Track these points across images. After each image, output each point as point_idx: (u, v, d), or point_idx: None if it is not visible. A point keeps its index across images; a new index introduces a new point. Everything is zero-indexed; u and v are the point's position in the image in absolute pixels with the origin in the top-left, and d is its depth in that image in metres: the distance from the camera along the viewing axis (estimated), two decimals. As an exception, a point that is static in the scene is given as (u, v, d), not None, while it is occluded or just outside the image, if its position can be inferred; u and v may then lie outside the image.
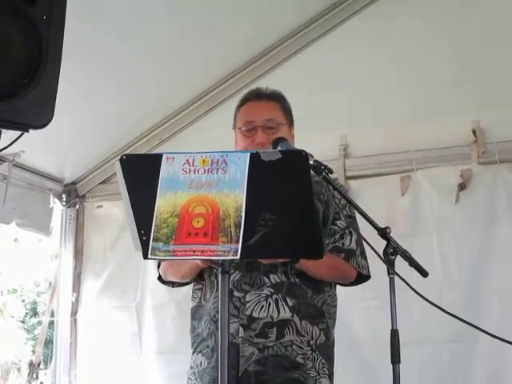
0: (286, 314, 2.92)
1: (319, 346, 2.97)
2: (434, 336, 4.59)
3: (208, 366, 2.96)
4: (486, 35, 4.78)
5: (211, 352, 2.96)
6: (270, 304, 2.92)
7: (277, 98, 3.26)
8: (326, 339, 3.02)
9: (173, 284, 3.30)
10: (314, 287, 3.01)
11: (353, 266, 3.06)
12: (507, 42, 4.73)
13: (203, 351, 3.01)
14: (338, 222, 3.08)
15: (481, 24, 4.80)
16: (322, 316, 3.02)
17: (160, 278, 3.29)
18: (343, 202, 3.10)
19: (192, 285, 3.21)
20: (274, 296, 2.94)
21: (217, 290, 2.98)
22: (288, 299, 2.94)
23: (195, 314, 3.13)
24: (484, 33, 4.79)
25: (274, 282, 2.95)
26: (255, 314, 2.91)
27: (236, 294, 2.91)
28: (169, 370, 5.24)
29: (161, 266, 3.22)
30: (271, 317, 2.91)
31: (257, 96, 3.27)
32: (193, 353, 3.10)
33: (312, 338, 2.95)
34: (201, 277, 3.11)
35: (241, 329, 2.89)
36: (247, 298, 2.93)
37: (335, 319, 3.14)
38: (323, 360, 2.97)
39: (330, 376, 3.01)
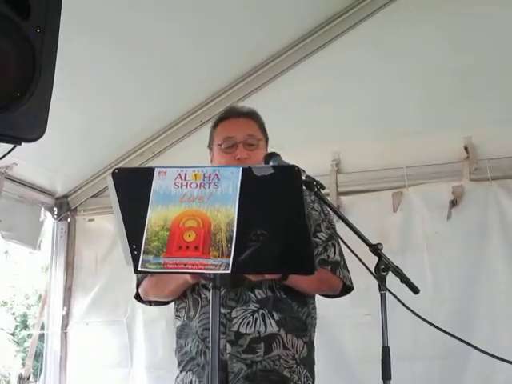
0: (273, 328, 2.93)
1: (303, 360, 2.98)
2: (425, 352, 4.59)
3: (199, 383, 2.94)
4: (484, 52, 4.80)
5: (202, 370, 2.95)
6: (256, 319, 2.92)
7: (253, 116, 3.29)
8: (308, 352, 3.03)
9: (150, 303, 3.27)
10: (299, 300, 3.03)
11: (339, 277, 3.08)
12: (505, 60, 4.75)
13: (193, 369, 3.00)
14: (320, 235, 3.10)
15: (480, 40, 4.82)
16: (306, 329, 3.04)
17: (138, 297, 3.26)
18: (323, 214, 3.11)
19: (174, 303, 3.18)
20: (261, 311, 2.94)
21: (202, 307, 3.00)
22: (274, 313, 2.94)
23: (181, 332, 3.11)
24: (482, 49, 4.81)
25: (259, 297, 2.95)
26: (242, 330, 2.91)
27: (222, 310, 2.88)
28: (159, 384, 5.23)
29: (141, 286, 3.19)
30: (258, 332, 2.91)
31: (234, 114, 3.31)
32: (180, 371, 3.08)
33: (297, 352, 2.97)
34: (184, 294, 3.10)
35: (228, 345, 2.89)
36: (233, 314, 2.93)
37: (315, 331, 3.16)
38: (307, 373, 2.99)
39: None
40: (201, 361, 2.97)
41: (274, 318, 2.94)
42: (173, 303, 3.20)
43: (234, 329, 2.91)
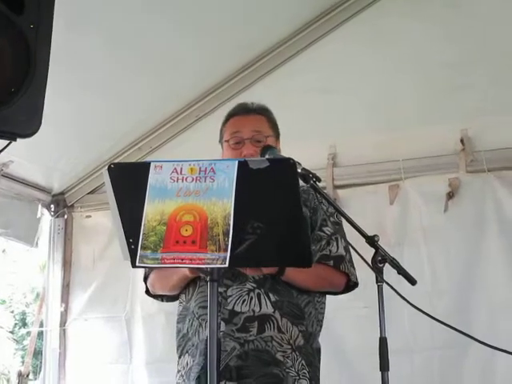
0: (267, 309, 2.91)
1: (298, 348, 2.95)
2: (423, 344, 4.60)
3: (193, 363, 2.94)
4: (479, 43, 4.80)
5: (196, 349, 2.95)
6: (252, 298, 2.91)
7: (263, 112, 3.29)
8: (305, 343, 2.98)
9: (162, 298, 3.29)
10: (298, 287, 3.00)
11: (344, 272, 3.05)
12: (500, 51, 4.75)
13: (189, 350, 3.00)
14: (325, 229, 3.08)
15: (474, 31, 4.81)
16: (302, 317, 3.00)
17: (148, 292, 3.29)
18: (331, 209, 3.10)
19: None
20: (257, 290, 2.93)
21: (199, 286, 3.00)
22: (271, 295, 2.93)
23: (180, 316, 3.13)
24: (477, 40, 4.80)
25: (256, 277, 2.93)
26: (237, 309, 2.90)
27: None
28: (159, 381, 5.22)
29: (149, 280, 3.22)
30: (253, 311, 2.90)
31: (243, 110, 3.30)
32: (179, 356, 3.08)
33: (291, 338, 2.94)
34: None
35: (222, 323, 2.87)
36: (229, 293, 2.92)
37: (321, 327, 3.13)
38: (303, 362, 2.94)
39: (311, 380, 2.96)
40: (195, 340, 2.97)
41: (269, 299, 2.92)
42: None
43: (229, 307, 2.90)
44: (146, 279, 3.24)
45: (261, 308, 2.91)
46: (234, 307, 2.91)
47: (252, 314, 2.90)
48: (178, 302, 3.20)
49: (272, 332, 2.90)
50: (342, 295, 3.20)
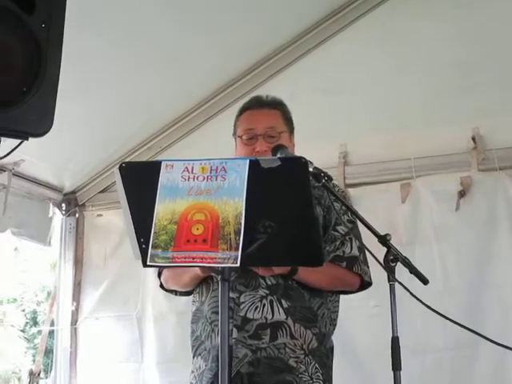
0: (280, 316, 2.89)
1: (312, 351, 2.93)
2: (435, 343, 4.58)
3: (205, 368, 2.93)
4: (490, 42, 4.78)
5: (208, 354, 2.94)
6: (264, 305, 2.90)
7: (278, 106, 3.25)
8: (319, 345, 2.97)
9: (175, 292, 3.29)
10: (311, 290, 2.98)
11: (357, 273, 3.03)
12: (510, 49, 4.73)
13: (202, 354, 2.99)
14: (339, 228, 3.05)
15: (485, 30, 4.80)
16: (315, 320, 2.98)
17: (162, 287, 3.28)
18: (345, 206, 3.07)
19: None
20: (269, 297, 2.91)
21: (212, 290, 2.99)
22: (283, 301, 2.91)
23: (194, 317, 3.12)
24: (488, 39, 4.79)
25: (269, 283, 2.92)
26: (249, 315, 2.89)
27: (231, 294, 2.76)
28: (170, 380, 5.22)
29: (162, 275, 3.21)
30: (265, 318, 2.88)
31: (258, 104, 3.27)
32: (193, 357, 3.07)
33: (305, 342, 2.92)
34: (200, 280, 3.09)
35: (234, 330, 2.86)
36: (242, 299, 2.91)
37: (335, 325, 3.12)
38: (317, 365, 2.93)
39: (325, 382, 2.95)
40: (208, 345, 2.96)
41: (282, 306, 2.90)
42: None
43: (242, 314, 2.89)
44: (159, 275, 3.23)
45: (273, 315, 2.89)
46: (246, 314, 2.89)
47: (264, 321, 2.88)
48: (190, 300, 3.20)
49: (285, 339, 2.88)
50: (354, 294, 3.19)
